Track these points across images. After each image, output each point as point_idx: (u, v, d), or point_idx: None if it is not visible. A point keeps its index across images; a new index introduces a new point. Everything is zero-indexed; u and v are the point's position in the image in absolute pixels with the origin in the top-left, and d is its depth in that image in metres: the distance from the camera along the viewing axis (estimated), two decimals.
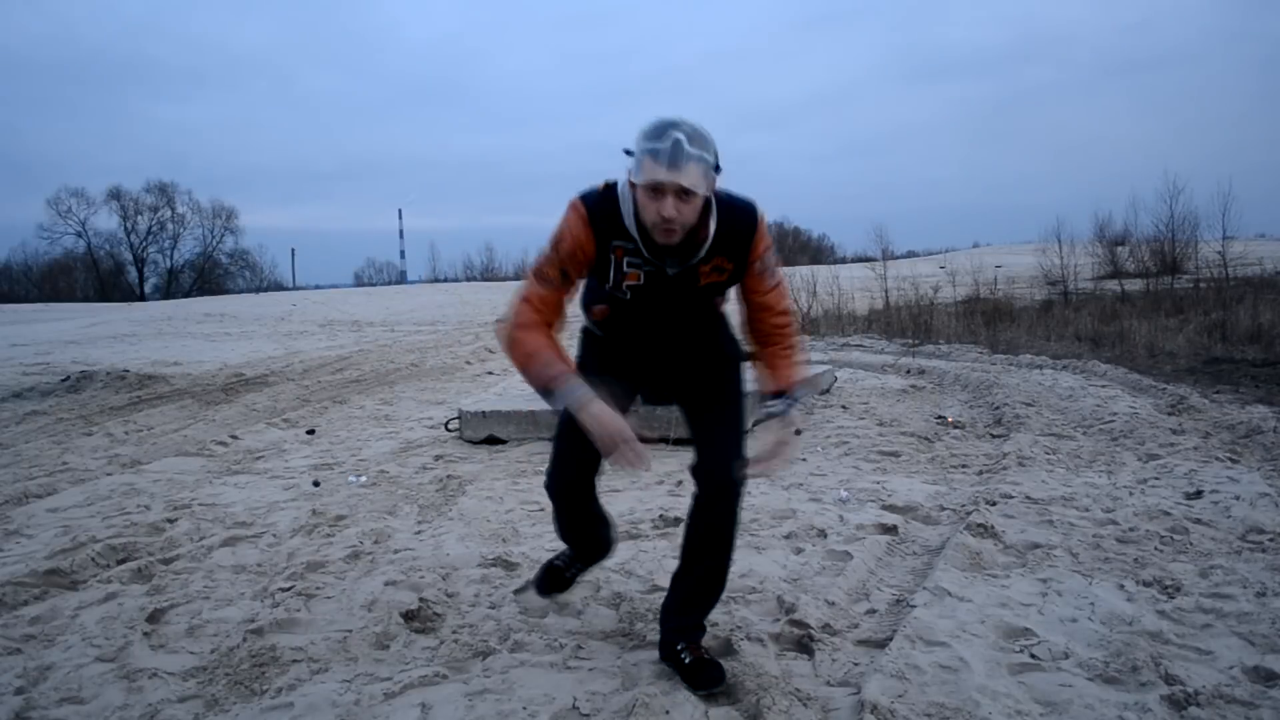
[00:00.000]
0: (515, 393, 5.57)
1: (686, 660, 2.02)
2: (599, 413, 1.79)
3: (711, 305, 2.08)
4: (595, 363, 2.11)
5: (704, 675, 1.98)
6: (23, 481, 4.35)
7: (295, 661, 2.22)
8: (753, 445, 2.03)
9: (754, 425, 2.72)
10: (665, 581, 2.27)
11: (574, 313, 2.04)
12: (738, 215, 1.92)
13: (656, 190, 1.73)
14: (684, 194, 1.73)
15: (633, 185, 1.81)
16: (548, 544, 3.08)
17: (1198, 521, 3.12)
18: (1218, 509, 3.23)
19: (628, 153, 1.78)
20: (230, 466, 4.71)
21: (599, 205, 1.88)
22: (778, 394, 2.03)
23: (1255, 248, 19.53)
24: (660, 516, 3.31)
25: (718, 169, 1.80)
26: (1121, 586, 2.56)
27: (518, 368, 1.91)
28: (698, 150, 1.72)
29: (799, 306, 12.83)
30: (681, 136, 1.70)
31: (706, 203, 1.83)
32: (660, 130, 1.72)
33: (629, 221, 1.87)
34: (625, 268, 1.93)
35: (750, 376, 2.15)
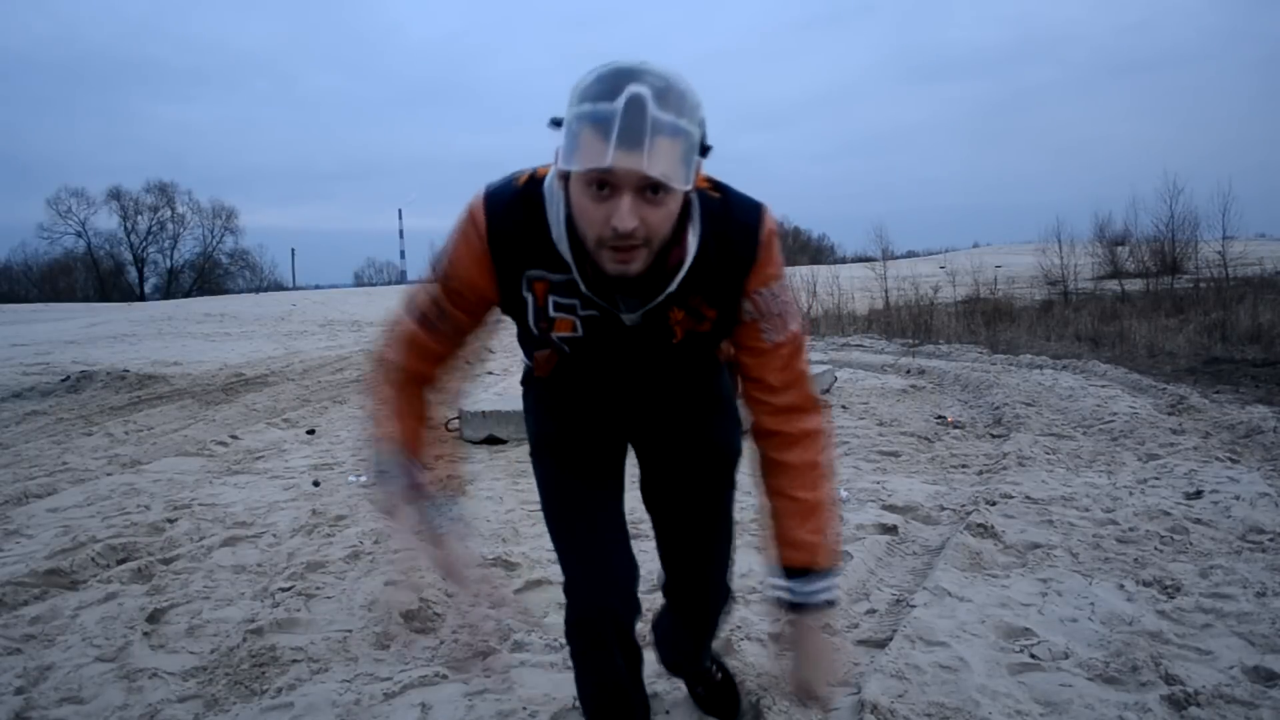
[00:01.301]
0: (515, 392, 5.54)
1: (702, 693, 1.91)
2: (399, 512, 1.41)
3: (700, 363, 1.42)
4: (549, 413, 1.51)
5: (722, 704, 1.90)
6: (23, 481, 4.35)
7: (295, 661, 2.22)
8: (778, 663, 1.44)
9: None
10: None
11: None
12: (731, 225, 1.22)
13: (602, 185, 1.04)
14: (650, 190, 1.04)
15: (564, 177, 1.11)
16: (547, 545, 3.08)
17: (1198, 521, 3.12)
18: (1218, 509, 3.23)
19: (555, 124, 1.07)
20: (230, 466, 4.71)
21: (507, 214, 1.21)
22: (788, 569, 1.32)
23: (1255, 248, 19.53)
24: None
25: (705, 148, 1.09)
26: (1121, 586, 2.56)
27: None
28: (670, 115, 1.01)
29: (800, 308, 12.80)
30: (643, 92, 1.00)
31: (685, 203, 1.14)
32: (608, 82, 1.01)
33: (558, 235, 1.17)
34: (551, 311, 1.26)
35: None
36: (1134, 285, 15.36)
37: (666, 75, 1.04)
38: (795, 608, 1.32)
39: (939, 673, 2.04)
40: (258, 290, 44.17)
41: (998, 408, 5.74)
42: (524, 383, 1.58)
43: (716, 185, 1.25)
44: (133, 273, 51.01)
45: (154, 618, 2.54)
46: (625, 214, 1.04)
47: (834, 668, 1.35)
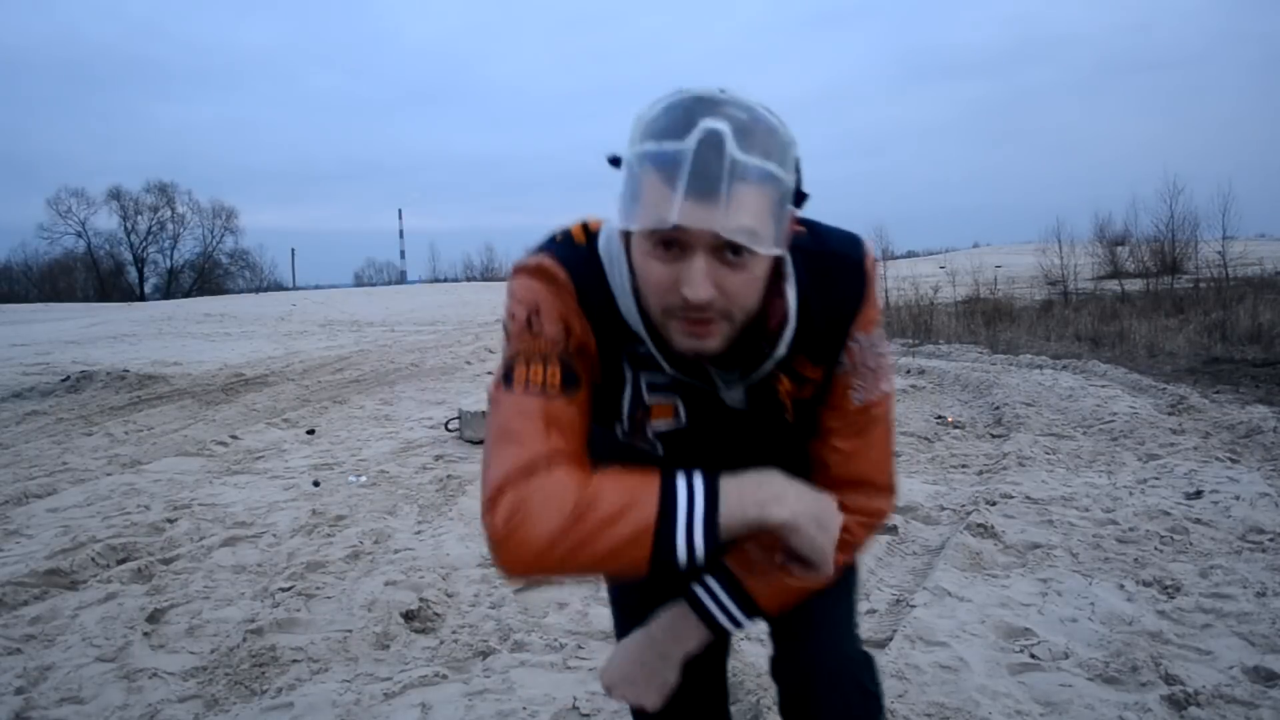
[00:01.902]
0: None
1: None
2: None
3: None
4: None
5: None
6: (23, 481, 4.35)
7: (295, 661, 2.22)
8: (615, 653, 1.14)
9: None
10: None
11: None
12: (831, 261, 1.01)
13: (670, 243, 0.85)
14: (729, 250, 0.84)
15: (625, 235, 0.94)
16: None
17: (1198, 521, 3.12)
18: (1218, 509, 3.23)
19: (614, 163, 0.90)
20: (230, 466, 4.71)
21: (587, 272, 0.97)
22: (718, 572, 1.07)
23: (1255, 248, 19.56)
24: None
25: (800, 195, 0.90)
26: (1121, 586, 2.56)
27: (560, 559, 0.86)
28: (757, 157, 0.82)
29: None
30: (722, 128, 0.81)
31: (777, 260, 0.94)
32: (678, 114, 0.83)
33: (625, 306, 0.96)
34: (646, 395, 1.02)
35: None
36: (1134, 285, 15.37)
37: (751, 107, 0.84)
38: (697, 619, 1.07)
39: (939, 673, 2.04)
40: (258, 290, 44.23)
41: (998, 408, 5.74)
42: None
43: (799, 219, 0.98)
44: (133, 273, 51.08)
45: (154, 618, 2.54)
46: (698, 280, 0.84)
47: (654, 689, 1.08)
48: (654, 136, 0.83)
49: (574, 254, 0.98)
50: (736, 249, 0.84)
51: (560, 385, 0.95)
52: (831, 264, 1.01)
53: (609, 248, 0.98)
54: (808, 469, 1.10)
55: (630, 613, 1.25)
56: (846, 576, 1.14)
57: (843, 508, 1.02)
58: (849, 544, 1.07)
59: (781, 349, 0.97)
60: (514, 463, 0.90)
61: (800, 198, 0.91)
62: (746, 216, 0.82)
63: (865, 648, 1.17)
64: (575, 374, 0.96)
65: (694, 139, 0.81)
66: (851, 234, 1.06)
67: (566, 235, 1.02)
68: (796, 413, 1.05)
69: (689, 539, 0.85)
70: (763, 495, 0.89)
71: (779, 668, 1.15)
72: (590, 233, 1.01)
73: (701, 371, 0.99)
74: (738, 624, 1.07)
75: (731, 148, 0.81)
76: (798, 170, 0.89)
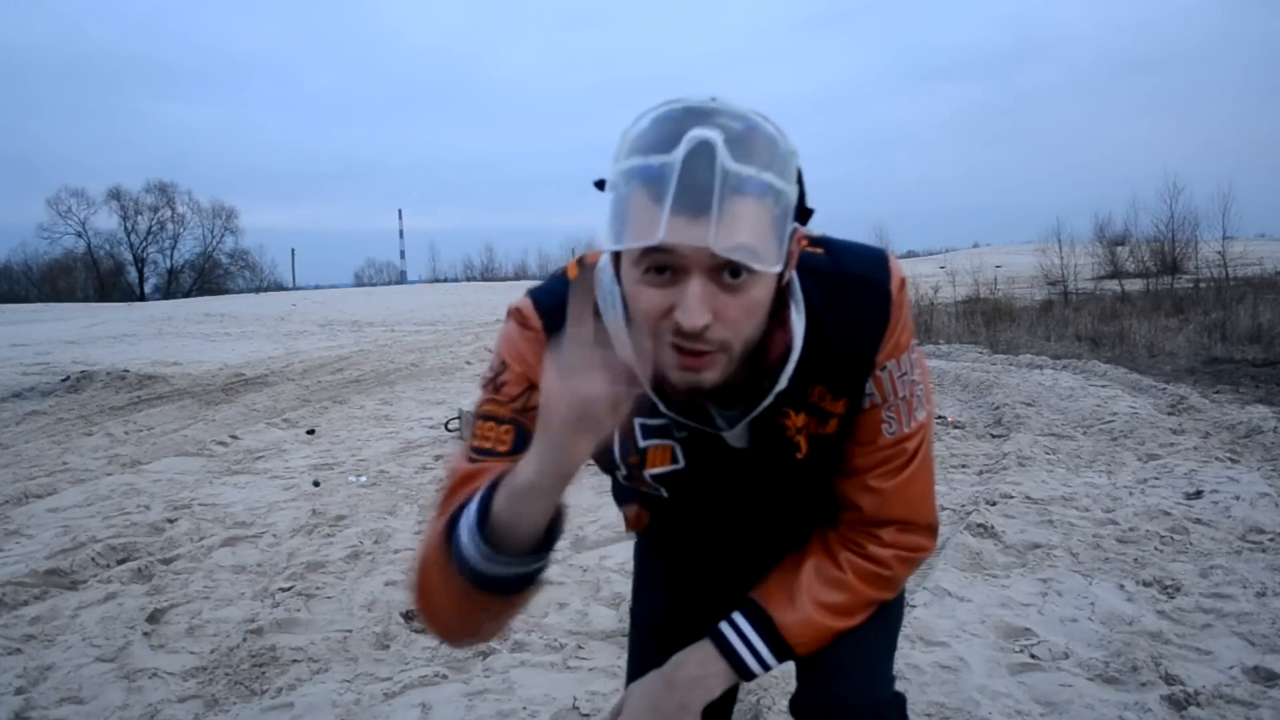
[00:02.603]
0: None
1: None
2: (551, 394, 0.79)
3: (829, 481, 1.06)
4: (655, 582, 1.26)
5: None
6: (23, 481, 4.35)
7: (295, 661, 2.22)
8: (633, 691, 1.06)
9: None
10: None
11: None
12: (850, 284, 0.94)
13: (661, 267, 0.78)
14: (727, 272, 0.78)
15: (615, 256, 0.87)
16: None
17: (1198, 521, 3.12)
18: (1218, 509, 3.23)
19: (600, 186, 0.83)
20: (230, 466, 4.71)
21: (562, 315, 0.81)
22: (747, 610, 1.03)
23: (1255, 248, 19.57)
24: None
25: (804, 211, 0.85)
26: (1121, 586, 2.56)
27: (426, 611, 0.89)
28: (752, 167, 0.76)
29: None
30: (712, 137, 0.75)
31: (782, 285, 0.87)
32: (667, 126, 0.77)
33: (621, 343, 0.86)
34: (641, 440, 0.98)
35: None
36: (1134, 285, 15.37)
37: (746, 116, 0.78)
38: (709, 647, 1.01)
39: (939, 673, 2.04)
40: (258, 290, 44.23)
41: (998, 408, 5.74)
42: (637, 545, 1.31)
43: (816, 238, 0.96)
44: (133, 273, 51.08)
45: (154, 618, 2.54)
46: (693, 306, 0.76)
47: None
48: (640, 151, 0.77)
49: (557, 291, 0.94)
50: (735, 270, 0.77)
51: (510, 448, 0.92)
52: (851, 288, 0.93)
53: (602, 280, 0.91)
54: (825, 507, 1.05)
55: (649, 593, 1.24)
56: (885, 612, 1.06)
57: (880, 543, 1.00)
58: (888, 580, 1.02)
59: (782, 382, 0.90)
60: (427, 533, 0.88)
61: (805, 213, 0.84)
62: (743, 233, 0.75)
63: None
64: (527, 435, 0.85)
65: (682, 150, 0.74)
66: (876, 253, 0.97)
67: (561, 272, 0.98)
68: (815, 450, 0.98)
69: None
70: None
71: (800, 706, 1.05)
72: (585, 267, 0.92)
73: (700, 411, 0.93)
74: (766, 667, 1.00)
75: (724, 158, 0.74)
76: (800, 183, 0.82)
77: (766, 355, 0.89)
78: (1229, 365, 6.91)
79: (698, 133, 0.75)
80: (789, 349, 0.89)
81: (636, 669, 1.19)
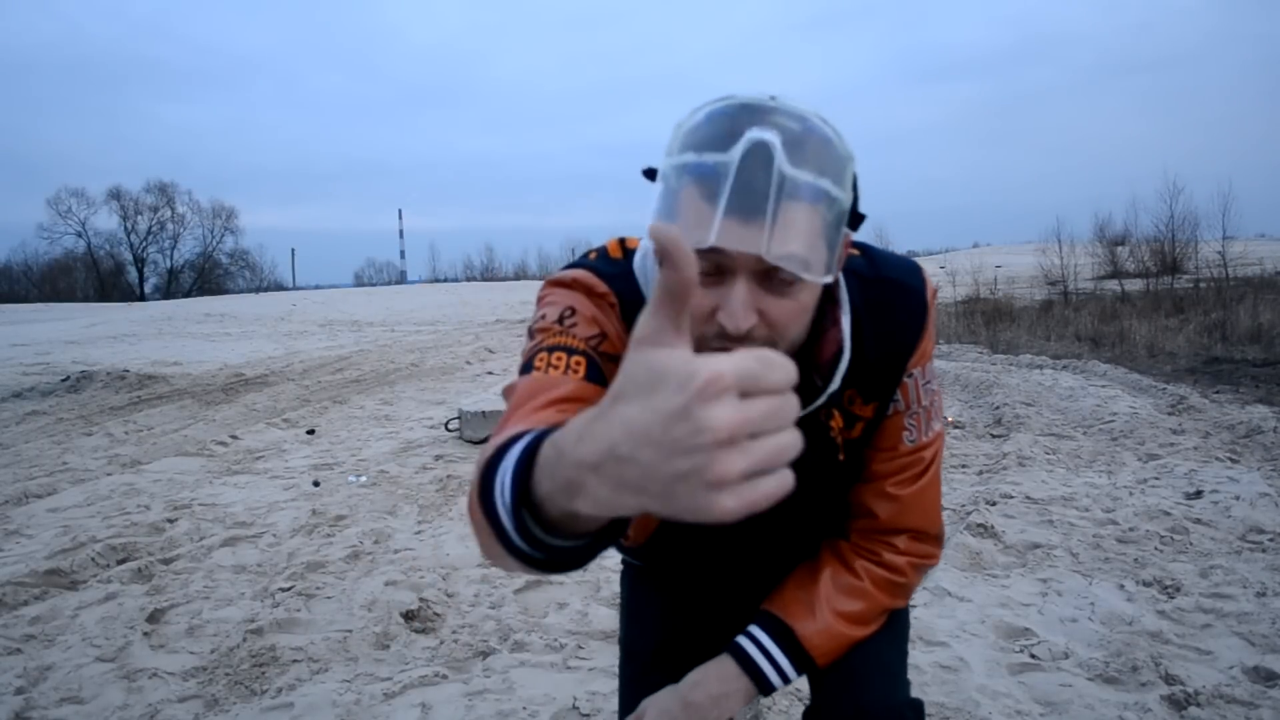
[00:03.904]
0: None
1: None
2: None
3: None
4: (655, 614, 1.20)
5: None
6: (23, 481, 4.35)
7: (295, 661, 2.22)
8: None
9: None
10: None
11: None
12: (889, 290, 0.95)
13: (711, 270, 0.77)
14: (776, 278, 0.77)
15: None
16: None
17: (1198, 521, 3.12)
18: (1218, 509, 3.23)
19: (649, 175, 0.81)
20: (230, 466, 4.71)
21: (629, 289, 0.91)
22: (765, 623, 1.02)
23: (1255, 248, 19.59)
24: None
25: (856, 216, 0.83)
26: (1121, 586, 2.56)
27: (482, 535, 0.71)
28: (809, 173, 0.74)
29: None
30: (771, 139, 0.73)
31: (831, 286, 0.90)
32: (723, 123, 0.75)
33: None
34: None
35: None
36: (1134, 285, 15.37)
37: (805, 116, 0.75)
38: (734, 664, 0.99)
39: (939, 673, 2.04)
40: (258, 290, 44.25)
41: (998, 408, 5.74)
42: (624, 565, 1.24)
43: (853, 242, 0.93)
44: (133, 273, 51.10)
45: (154, 618, 2.54)
46: (738, 308, 0.75)
47: None
48: (694, 147, 0.74)
49: (614, 268, 0.92)
50: (784, 280, 0.76)
51: (584, 375, 0.85)
52: (890, 293, 0.94)
53: (644, 266, 0.90)
54: (832, 521, 1.05)
55: (643, 625, 1.19)
56: (897, 621, 1.07)
57: (895, 550, 1.01)
58: (903, 587, 1.03)
59: (836, 381, 0.88)
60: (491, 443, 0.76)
61: (856, 219, 0.82)
62: (796, 239, 0.73)
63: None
64: (602, 372, 0.85)
65: (739, 150, 0.72)
66: (912, 261, 0.99)
67: (603, 251, 0.96)
68: (847, 454, 0.97)
69: None
70: None
71: (820, 716, 1.03)
72: (627, 249, 0.94)
73: None
74: (786, 680, 0.99)
75: (781, 161, 0.72)
76: (855, 189, 0.80)
77: (819, 355, 0.89)
78: (1229, 365, 6.91)
79: (756, 133, 0.73)
80: (840, 348, 0.88)
81: (627, 705, 1.15)
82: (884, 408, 0.97)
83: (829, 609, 0.99)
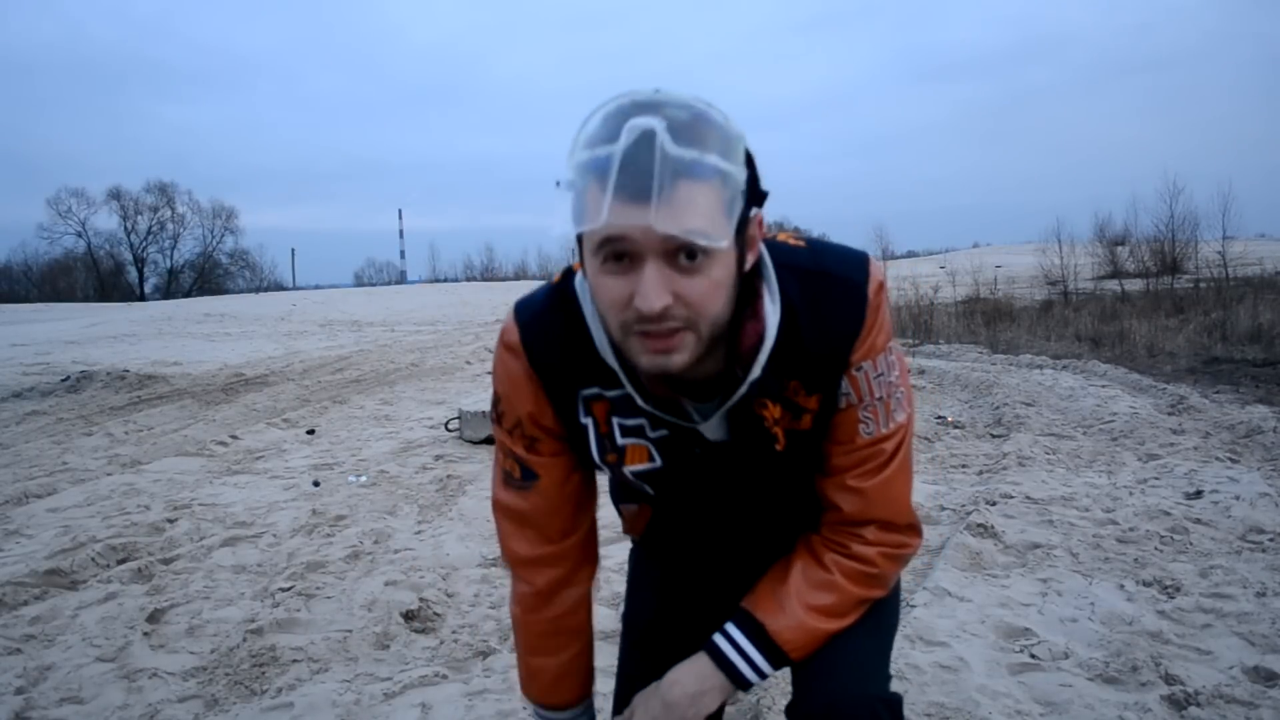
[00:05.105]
0: None
1: None
2: None
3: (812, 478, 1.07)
4: (650, 589, 1.28)
5: None
6: (23, 481, 4.35)
7: (295, 661, 2.22)
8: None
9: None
10: None
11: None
12: (827, 281, 0.96)
13: (619, 255, 0.81)
14: (683, 254, 0.80)
15: (581, 255, 0.88)
16: None
17: (1198, 521, 3.12)
18: (1218, 509, 3.23)
19: (560, 184, 0.84)
20: (230, 466, 4.70)
21: (541, 324, 0.99)
22: (739, 620, 1.04)
23: (1255, 248, 19.59)
24: None
25: (755, 191, 0.86)
26: (1121, 586, 2.56)
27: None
28: (695, 150, 0.77)
29: None
30: (653, 124, 0.77)
31: (750, 269, 0.89)
32: (613, 120, 0.79)
33: (599, 339, 0.95)
34: (619, 438, 1.01)
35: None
36: (1134, 285, 15.38)
37: (691, 104, 0.80)
38: (710, 662, 1.02)
39: (939, 673, 2.04)
40: (258, 290, 44.23)
41: (998, 408, 5.74)
42: (632, 543, 1.33)
43: (803, 237, 1.00)
44: (133, 273, 51.08)
45: (154, 618, 2.54)
46: (649, 289, 0.79)
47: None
48: (589, 145, 0.80)
49: (538, 301, 1.01)
50: (691, 252, 0.80)
51: (519, 478, 1.07)
52: (828, 286, 0.95)
53: (582, 284, 0.95)
54: (805, 502, 1.06)
55: (642, 597, 1.28)
56: (879, 612, 1.06)
57: (863, 541, 1.02)
58: (876, 577, 1.03)
59: (756, 370, 0.91)
60: (511, 556, 1.14)
61: (758, 196, 0.86)
62: (691, 215, 0.77)
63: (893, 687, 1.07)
64: (530, 468, 1.06)
65: (623, 139, 0.77)
66: (858, 255, 0.99)
67: (549, 280, 1.03)
68: (793, 444, 0.99)
69: None
70: None
71: (796, 710, 1.04)
72: (568, 273, 1.00)
73: (676, 407, 0.95)
74: (763, 675, 1.02)
75: (664, 143, 0.76)
76: (752, 166, 0.84)
77: (740, 345, 0.91)
78: (1229, 365, 6.91)
79: (638, 121, 0.77)
80: (761, 338, 0.91)
81: (625, 672, 1.23)
82: (832, 400, 0.98)
83: (799, 603, 1.01)
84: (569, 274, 1.00)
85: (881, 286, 0.98)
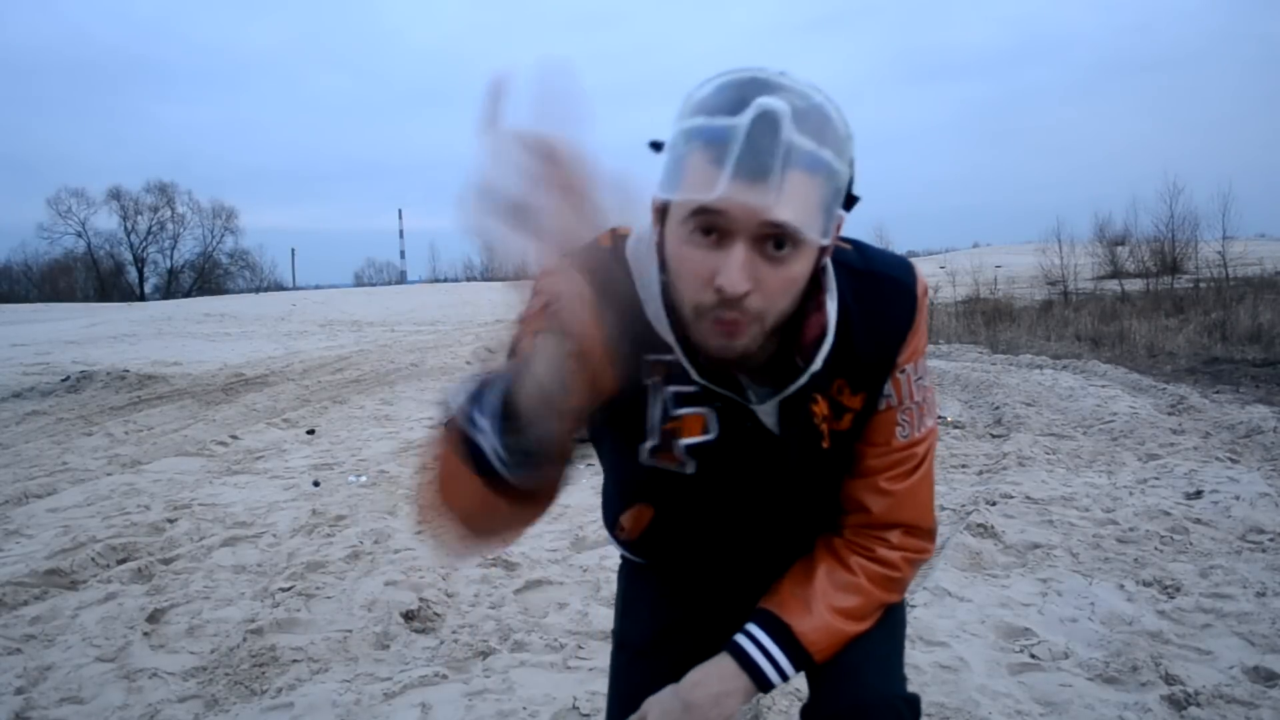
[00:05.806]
0: None
1: None
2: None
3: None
4: (651, 602, 1.19)
5: None
6: (23, 481, 4.35)
7: (295, 661, 2.22)
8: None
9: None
10: None
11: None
12: (879, 283, 0.96)
13: (709, 229, 0.78)
14: (773, 243, 0.78)
15: (659, 219, 0.84)
16: (548, 544, 3.09)
17: (1198, 521, 3.12)
18: (1218, 509, 3.23)
19: (655, 147, 0.82)
20: (230, 466, 4.70)
21: (603, 270, 0.77)
22: (762, 621, 1.02)
23: (1255, 248, 19.59)
24: None
25: (851, 198, 0.84)
26: (1121, 586, 2.56)
27: (452, 515, 0.83)
28: (812, 142, 0.76)
29: None
30: (779, 107, 0.75)
31: (818, 271, 0.87)
32: (734, 92, 0.76)
33: (654, 310, 0.88)
34: (673, 406, 0.94)
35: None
36: (1134, 285, 15.37)
37: (811, 92, 0.78)
38: (734, 660, 0.99)
39: (939, 673, 2.04)
40: (258, 290, 44.23)
41: (998, 408, 5.74)
42: (621, 570, 1.26)
43: (845, 238, 0.97)
44: (133, 273, 51.06)
45: (154, 618, 2.54)
46: (735, 271, 0.76)
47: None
48: (704, 112, 0.77)
49: (594, 255, 0.83)
50: (780, 242, 0.78)
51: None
52: (880, 286, 0.96)
53: (638, 249, 0.90)
54: (822, 509, 1.06)
55: (636, 615, 1.20)
56: (893, 615, 1.07)
57: (888, 545, 1.02)
58: (897, 581, 1.04)
59: (817, 363, 0.90)
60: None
61: (850, 200, 0.84)
62: (797, 205, 0.76)
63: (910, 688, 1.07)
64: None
65: (749, 115, 0.74)
66: (904, 258, 1.01)
67: (590, 242, 0.88)
68: (833, 443, 0.98)
69: None
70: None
71: (816, 712, 1.03)
72: (618, 236, 0.91)
73: (733, 382, 0.92)
74: (785, 678, 1.00)
75: (788, 129, 0.74)
76: (852, 167, 0.82)
77: (802, 336, 0.90)
78: (1229, 365, 6.91)
79: (766, 100, 0.75)
80: (824, 331, 0.90)
81: (617, 694, 1.16)
82: (873, 400, 0.98)
83: (825, 605, 1.00)
84: (615, 237, 0.91)
85: (926, 290, 1.00)
